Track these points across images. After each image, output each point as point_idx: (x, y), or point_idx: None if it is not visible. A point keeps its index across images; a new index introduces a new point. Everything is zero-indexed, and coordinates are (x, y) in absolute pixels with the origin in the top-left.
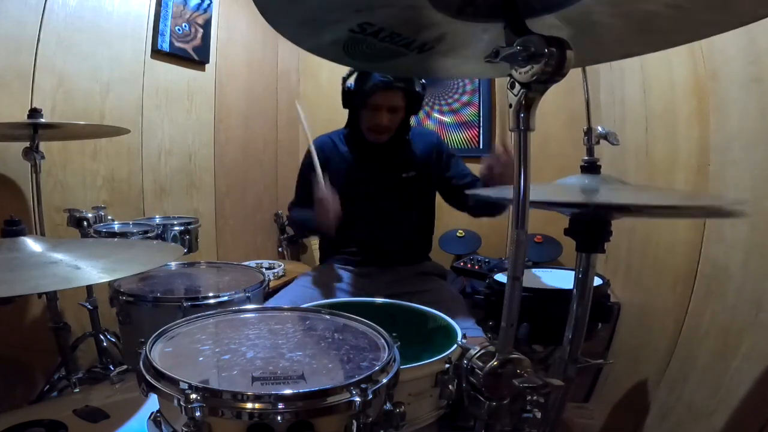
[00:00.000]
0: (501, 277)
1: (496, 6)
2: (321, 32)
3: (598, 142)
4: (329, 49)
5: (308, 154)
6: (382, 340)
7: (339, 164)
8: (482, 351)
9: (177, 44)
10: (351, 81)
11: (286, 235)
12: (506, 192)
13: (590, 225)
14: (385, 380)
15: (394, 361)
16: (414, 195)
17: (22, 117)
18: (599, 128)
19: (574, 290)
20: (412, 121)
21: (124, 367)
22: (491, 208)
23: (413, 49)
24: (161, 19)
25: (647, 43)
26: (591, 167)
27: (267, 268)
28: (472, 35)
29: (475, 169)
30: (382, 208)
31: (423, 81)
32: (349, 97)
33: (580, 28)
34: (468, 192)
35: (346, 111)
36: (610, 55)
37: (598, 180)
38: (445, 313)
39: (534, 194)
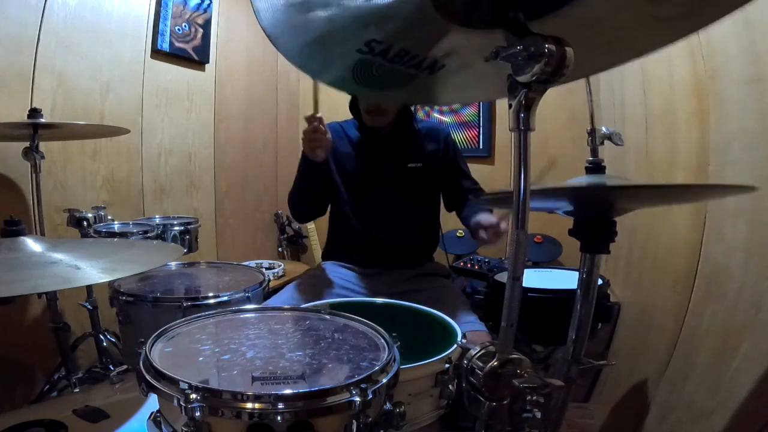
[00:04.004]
0: (501, 277)
1: (500, 10)
2: (330, 57)
3: (602, 143)
4: (338, 73)
5: None
6: (382, 340)
7: (347, 149)
8: (482, 351)
9: (177, 44)
10: None
11: (286, 235)
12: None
13: (595, 225)
14: (385, 380)
15: (394, 361)
16: (419, 187)
17: (22, 117)
18: (603, 129)
19: (578, 291)
20: (421, 113)
21: (124, 367)
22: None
23: (424, 70)
24: (161, 19)
25: (656, 38)
26: (596, 168)
27: (267, 268)
28: (481, 49)
29: (476, 169)
30: (386, 197)
31: None
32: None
33: (589, 30)
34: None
35: (346, 111)
36: (621, 56)
37: (604, 180)
38: (445, 312)
39: (540, 196)
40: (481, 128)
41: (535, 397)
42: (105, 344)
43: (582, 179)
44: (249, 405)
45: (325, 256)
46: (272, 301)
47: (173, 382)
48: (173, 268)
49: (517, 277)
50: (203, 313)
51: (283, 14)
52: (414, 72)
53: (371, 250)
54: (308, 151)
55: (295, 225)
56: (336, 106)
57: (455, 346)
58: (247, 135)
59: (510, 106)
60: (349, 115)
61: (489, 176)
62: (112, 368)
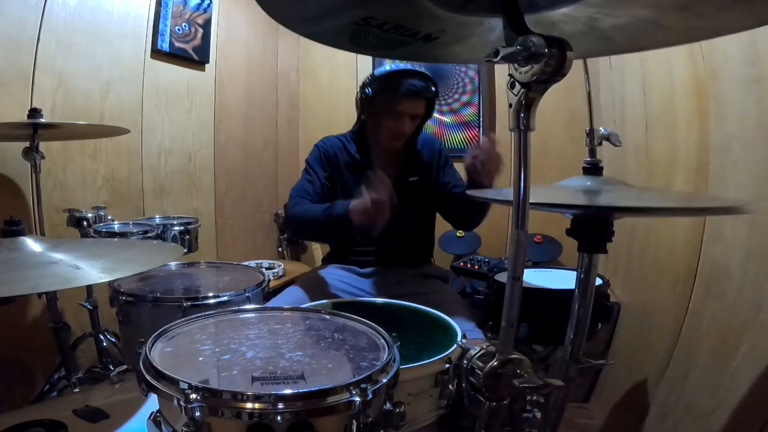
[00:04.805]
0: (501, 277)
1: (496, 2)
2: (326, 23)
3: (600, 143)
4: (335, 37)
5: (318, 147)
6: (382, 340)
7: (347, 165)
8: (482, 351)
9: (177, 44)
10: (370, 88)
11: (286, 235)
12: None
13: (592, 225)
14: (385, 380)
15: (394, 361)
16: (418, 199)
17: (22, 117)
18: (601, 129)
19: (576, 290)
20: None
21: (124, 367)
22: (477, 208)
23: (418, 39)
24: (161, 19)
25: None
26: (593, 169)
27: (267, 268)
28: (476, 27)
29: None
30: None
31: (437, 86)
32: (368, 104)
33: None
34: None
35: (346, 112)
36: (620, 47)
37: (601, 182)
38: (445, 314)
39: (536, 196)
40: (481, 128)
41: (534, 397)
42: (105, 344)
43: (579, 180)
44: (249, 405)
45: (326, 260)
46: (275, 302)
47: (173, 382)
48: (173, 268)
49: (517, 277)
50: (203, 313)
51: None
52: (410, 40)
53: (368, 254)
54: (368, 221)
55: None
56: (337, 109)
57: (455, 346)
58: (247, 135)
59: (510, 105)
60: (345, 128)
61: None
62: (112, 368)
